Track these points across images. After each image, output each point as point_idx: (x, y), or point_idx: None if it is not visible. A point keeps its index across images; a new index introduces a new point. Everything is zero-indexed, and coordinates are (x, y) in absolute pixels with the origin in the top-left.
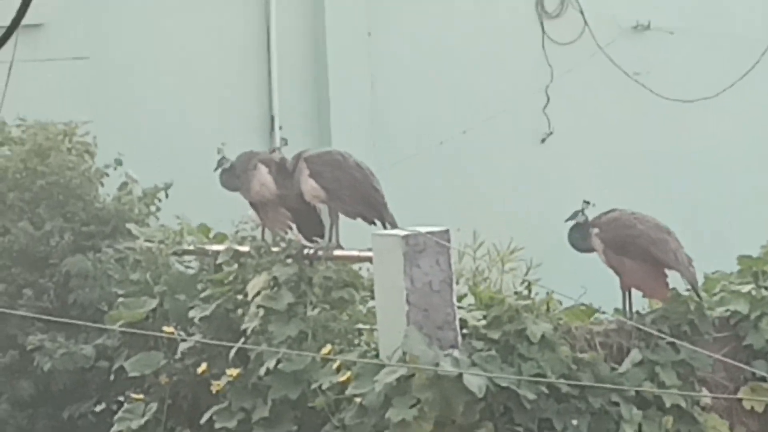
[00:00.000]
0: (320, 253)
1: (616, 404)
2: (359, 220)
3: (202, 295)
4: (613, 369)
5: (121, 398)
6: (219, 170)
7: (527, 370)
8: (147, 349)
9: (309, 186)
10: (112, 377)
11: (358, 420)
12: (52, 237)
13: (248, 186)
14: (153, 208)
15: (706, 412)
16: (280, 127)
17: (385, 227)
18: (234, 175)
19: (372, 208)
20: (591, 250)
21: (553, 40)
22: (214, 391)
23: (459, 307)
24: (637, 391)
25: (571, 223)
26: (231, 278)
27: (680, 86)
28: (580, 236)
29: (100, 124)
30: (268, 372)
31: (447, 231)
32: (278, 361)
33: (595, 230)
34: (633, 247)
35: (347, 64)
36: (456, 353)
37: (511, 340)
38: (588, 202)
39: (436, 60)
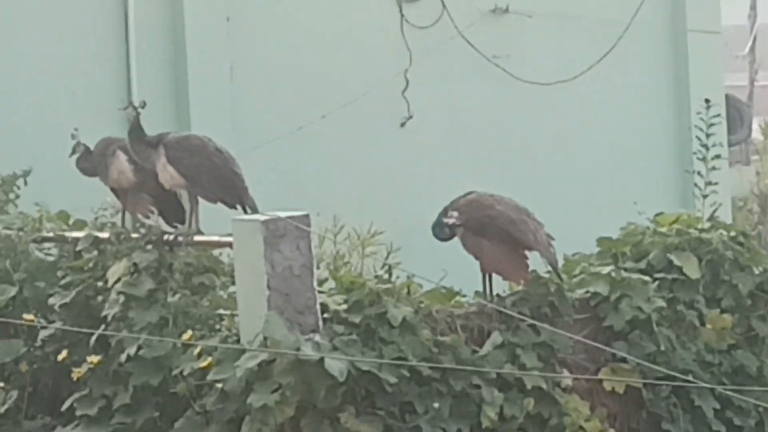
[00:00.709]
0: (180, 238)
1: (478, 387)
2: (220, 205)
3: (62, 282)
4: (474, 352)
5: None
6: (75, 156)
7: (388, 354)
8: (7, 336)
9: (167, 172)
10: None
11: (219, 405)
12: None
13: (106, 173)
14: (11, 196)
15: (567, 393)
16: (139, 113)
17: (245, 212)
18: (91, 160)
19: (232, 193)
20: (452, 237)
21: (411, 24)
22: (74, 378)
23: (320, 292)
24: (498, 374)
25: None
26: (91, 265)
27: (538, 70)
28: (441, 228)
29: None
30: (128, 358)
31: (307, 215)
32: (139, 348)
33: (454, 213)
34: (491, 228)
35: (206, 49)
36: (317, 338)
37: (372, 323)
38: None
39: (295, 45)
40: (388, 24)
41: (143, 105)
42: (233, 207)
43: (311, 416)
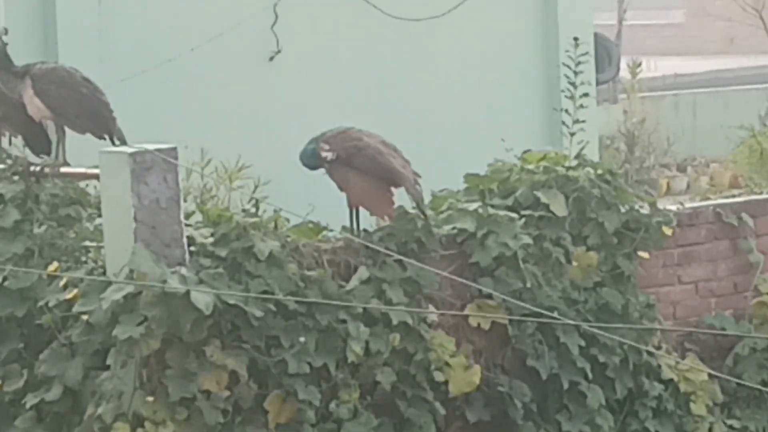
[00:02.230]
0: (47, 170)
1: (344, 321)
2: (87, 136)
3: None
4: (341, 286)
5: None
6: None
7: (255, 288)
8: None
9: (34, 104)
10: None
11: (85, 338)
12: None
13: None
14: None
15: (433, 329)
16: (6, 44)
17: (113, 143)
18: None
19: (100, 124)
20: (320, 167)
21: None
22: None
23: (187, 225)
24: (364, 309)
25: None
26: None
27: (408, 5)
28: (308, 154)
29: None
30: None
31: (175, 148)
32: (4, 279)
33: (325, 146)
34: (359, 158)
35: None
36: (183, 271)
37: (238, 257)
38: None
39: None
40: None
41: (5, 32)
42: (101, 138)
43: (177, 349)
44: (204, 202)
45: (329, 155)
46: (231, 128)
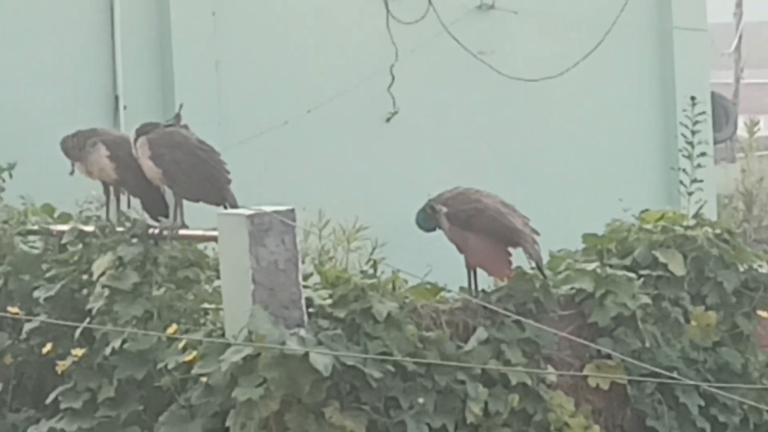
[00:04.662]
0: (165, 232)
1: (462, 382)
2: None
3: (47, 275)
4: (459, 347)
5: None
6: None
7: (373, 349)
8: None
9: (148, 168)
10: None
11: (204, 399)
12: None
13: (85, 169)
14: None
15: (552, 389)
16: (125, 107)
17: (225, 209)
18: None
19: (213, 188)
20: (436, 228)
21: (397, 20)
22: (59, 372)
23: (305, 286)
24: (483, 369)
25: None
26: (76, 258)
27: (524, 66)
28: (425, 216)
29: None
30: (113, 352)
31: (292, 210)
32: (124, 341)
33: (443, 208)
34: (477, 221)
35: (192, 43)
36: (302, 332)
37: (357, 318)
38: (432, 198)
39: (281, 39)
40: (374, 19)
41: (180, 117)
42: (214, 205)
43: (296, 410)
44: (322, 263)
45: (444, 208)
46: (348, 189)
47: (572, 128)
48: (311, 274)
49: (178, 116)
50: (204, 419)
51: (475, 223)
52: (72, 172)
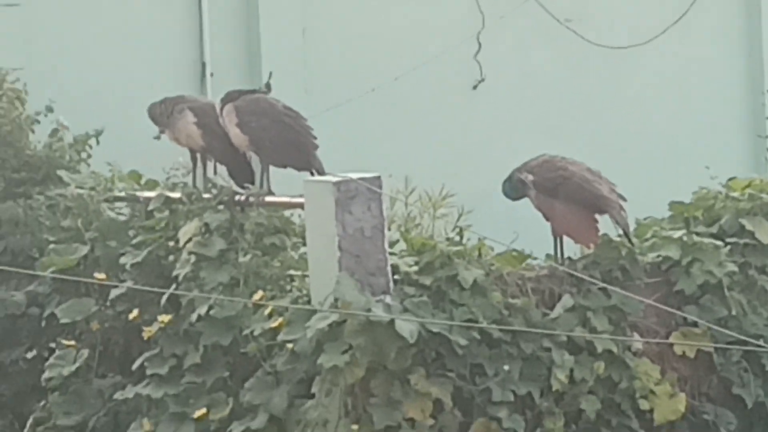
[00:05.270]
0: (251, 199)
1: (548, 349)
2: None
3: (134, 241)
4: (545, 314)
5: (53, 345)
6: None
7: (459, 316)
8: (78, 295)
9: (235, 135)
10: (43, 324)
11: (289, 366)
12: None
13: (173, 136)
14: (84, 155)
15: (638, 357)
16: (212, 74)
17: (312, 175)
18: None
19: (300, 155)
20: (522, 197)
21: None
22: (145, 338)
23: (391, 253)
24: (568, 337)
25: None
26: (162, 225)
27: (611, 33)
28: (511, 185)
29: (31, 71)
30: (199, 318)
31: (379, 177)
32: (210, 308)
33: (530, 176)
34: (564, 188)
35: (279, 10)
36: (388, 299)
37: (442, 285)
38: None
39: (367, 6)
40: None
41: (270, 86)
42: (301, 170)
43: (381, 377)
44: (408, 230)
45: (530, 177)
46: (435, 156)
47: (658, 96)
48: (397, 241)
49: (268, 85)
50: (289, 386)
51: (561, 191)
52: (158, 137)
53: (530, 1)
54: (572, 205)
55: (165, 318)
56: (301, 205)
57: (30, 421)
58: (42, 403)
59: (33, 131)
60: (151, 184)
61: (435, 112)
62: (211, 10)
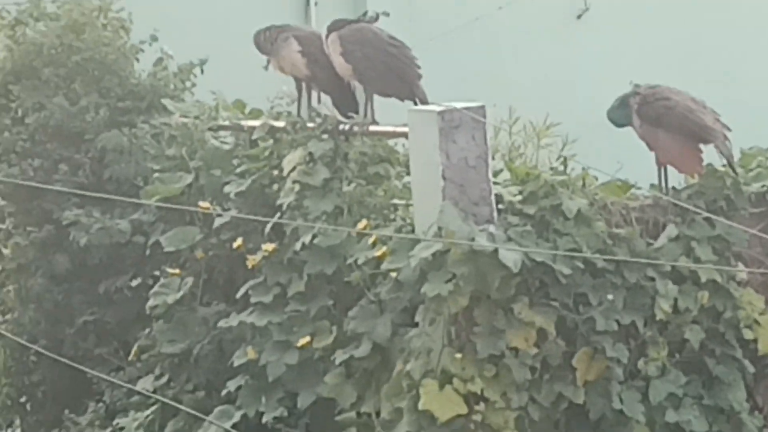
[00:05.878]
0: (356, 128)
1: (652, 279)
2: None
3: (238, 170)
4: (649, 244)
5: (157, 273)
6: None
7: (563, 245)
8: (183, 224)
9: (339, 64)
10: (147, 252)
11: (393, 294)
12: (88, 113)
13: (277, 64)
14: (188, 84)
15: (742, 287)
16: (316, 3)
17: (416, 104)
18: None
19: (403, 84)
20: (627, 125)
21: None
22: (249, 266)
23: (494, 183)
24: (672, 266)
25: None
26: (266, 154)
27: None
28: (619, 112)
29: (135, 0)
30: (303, 247)
31: (483, 107)
32: (314, 236)
33: (634, 105)
34: (668, 118)
35: None
36: (491, 228)
37: (546, 215)
38: (637, 85)
39: None
40: None
41: (378, 16)
42: (405, 100)
43: (485, 306)
44: (512, 160)
45: (637, 115)
46: (539, 86)
47: (766, 25)
48: (501, 171)
49: (377, 17)
50: (393, 314)
51: (665, 120)
52: (266, 67)
53: None
54: (676, 135)
55: (269, 247)
56: (405, 135)
57: (134, 348)
58: (146, 330)
59: (138, 60)
60: (256, 113)
61: (539, 42)
62: None
